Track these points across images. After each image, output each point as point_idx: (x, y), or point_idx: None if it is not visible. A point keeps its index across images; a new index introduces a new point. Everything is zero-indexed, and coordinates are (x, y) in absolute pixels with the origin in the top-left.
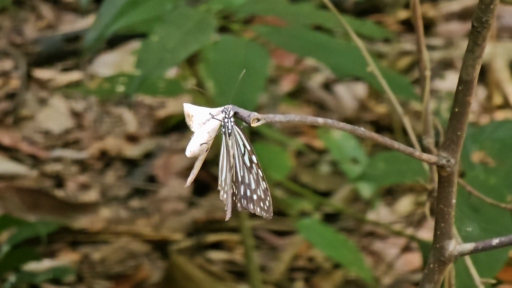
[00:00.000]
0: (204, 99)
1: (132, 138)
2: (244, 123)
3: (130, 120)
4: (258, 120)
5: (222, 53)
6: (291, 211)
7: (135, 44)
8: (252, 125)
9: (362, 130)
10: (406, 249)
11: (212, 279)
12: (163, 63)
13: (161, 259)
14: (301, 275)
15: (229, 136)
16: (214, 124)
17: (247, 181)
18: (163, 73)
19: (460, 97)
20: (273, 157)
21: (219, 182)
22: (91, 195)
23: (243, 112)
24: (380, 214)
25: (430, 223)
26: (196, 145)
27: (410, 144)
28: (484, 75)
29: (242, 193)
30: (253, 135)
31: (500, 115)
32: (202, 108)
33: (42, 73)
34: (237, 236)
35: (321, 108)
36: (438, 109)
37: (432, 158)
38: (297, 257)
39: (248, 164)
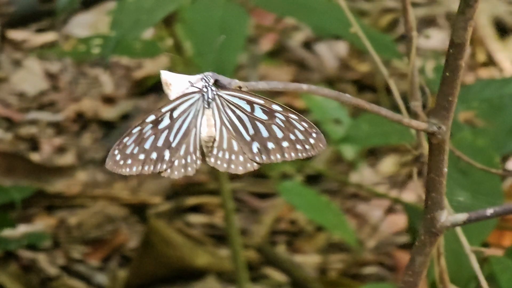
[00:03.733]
0: (182, 60)
1: (108, 100)
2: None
3: (107, 81)
4: (240, 88)
5: (200, 13)
6: (272, 173)
7: (111, 4)
8: None
9: (347, 96)
10: (390, 210)
11: (191, 243)
12: (139, 24)
13: (139, 223)
14: (283, 238)
15: (208, 105)
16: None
17: (265, 134)
18: (139, 34)
19: (451, 61)
20: None
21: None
22: (67, 158)
23: (224, 80)
24: (364, 175)
25: (415, 184)
26: None
27: (396, 106)
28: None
29: (256, 150)
30: None
31: (484, 73)
32: (180, 76)
33: (16, 34)
34: (217, 199)
35: (302, 67)
36: (423, 68)
37: (422, 125)
38: (278, 220)
39: (265, 117)
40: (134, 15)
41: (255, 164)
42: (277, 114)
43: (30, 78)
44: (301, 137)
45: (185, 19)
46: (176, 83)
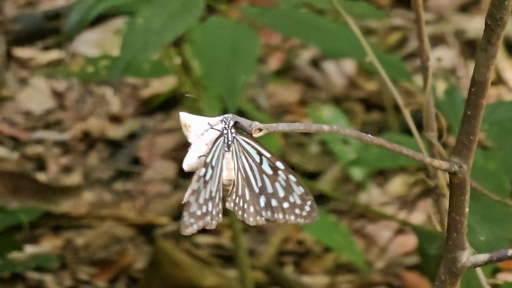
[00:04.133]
0: (190, 79)
1: (115, 119)
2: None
3: (113, 100)
4: (260, 130)
5: (210, 35)
6: None
7: (118, 22)
8: (254, 135)
9: (369, 136)
10: (399, 231)
11: (199, 264)
12: (148, 46)
13: (146, 244)
14: (291, 259)
15: (228, 148)
16: (213, 135)
17: (269, 190)
18: (148, 56)
19: (473, 99)
20: (260, 138)
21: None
22: (74, 178)
23: (244, 122)
24: (372, 194)
25: (423, 205)
26: (194, 158)
27: (405, 125)
28: (476, 50)
29: (263, 204)
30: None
31: (492, 91)
32: (199, 118)
33: (22, 52)
34: (225, 219)
35: (309, 85)
36: (433, 88)
37: (444, 164)
38: (286, 240)
39: (271, 171)
40: (143, 37)
41: (263, 218)
42: (279, 172)
43: (36, 96)
44: (298, 201)
45: (195, 40)
46: (195, 125)
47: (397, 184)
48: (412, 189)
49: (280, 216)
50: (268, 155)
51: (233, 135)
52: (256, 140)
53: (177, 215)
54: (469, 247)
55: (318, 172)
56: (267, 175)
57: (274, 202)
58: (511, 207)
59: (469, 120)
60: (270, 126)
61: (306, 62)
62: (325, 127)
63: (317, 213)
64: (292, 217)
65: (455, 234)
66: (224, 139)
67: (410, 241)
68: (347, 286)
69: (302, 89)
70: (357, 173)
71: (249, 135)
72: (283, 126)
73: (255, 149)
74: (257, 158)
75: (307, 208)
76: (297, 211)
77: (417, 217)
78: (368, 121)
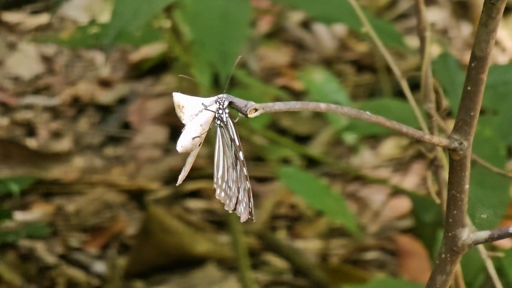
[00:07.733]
0: (180, 45)
1: (105, 83)
2: (240, 114)
3: (103, 65)
4: (256, 110)
5: (201, 2)
6: (271, 156)
7: None
8: (249, 116)
9: (368, 114)
10: (392, 194)
11: (191, 230)
12: (139, 14)
13: (137, 210)
14: (284, 223)
15: (225, 128)
16: (207, 116)
17: (234, 177)
18: (139, 24)
19: (473, 75)
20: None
21: (215, 180)
22: (64, 144)
23: (239, 102)
24: (364, 157)
25: (417, 167)
26: (188, 139)
27: (397, 87)
28: (468, 10)
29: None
30: (231, 81)
31: None
32: (194, 98)
33: (10, 17)
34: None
35: (300, 47)
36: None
37: (443, 141)
38: (278, 204)
39: (234, 159)
40: (134, 5)
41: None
42: (238, 162)
43: (25, 61)
44: (245, 199)
45: (185, 5)
46: (189, 106)
47: (390, 147)
48: (405, 151)
49: (241, 209)
50: (238, 143)
51: (227, 115)
52: (235, 124)
53: (168, 180)
54: (469, 224)
55: (309, 135)
56: (233, 162)
57: (241, 195)
58: (507, 174)
59: (469, 96)
60: (266, 106)
61: (296, 24)
62: (322, 105)
63: (254, 217)
64: (244, 214)
65: (455, 211)
66: (218, 120)
67: (403, 204)
68: (340, 251)
69: (293, 52)
70: (349, 136)
71: (244, 115)
72: (279, 105)
73: (233, 134)
74: (230, 143)
75: (250, 205)
76: (243, 205)
77: (411, 180)
78: (360, 83)
